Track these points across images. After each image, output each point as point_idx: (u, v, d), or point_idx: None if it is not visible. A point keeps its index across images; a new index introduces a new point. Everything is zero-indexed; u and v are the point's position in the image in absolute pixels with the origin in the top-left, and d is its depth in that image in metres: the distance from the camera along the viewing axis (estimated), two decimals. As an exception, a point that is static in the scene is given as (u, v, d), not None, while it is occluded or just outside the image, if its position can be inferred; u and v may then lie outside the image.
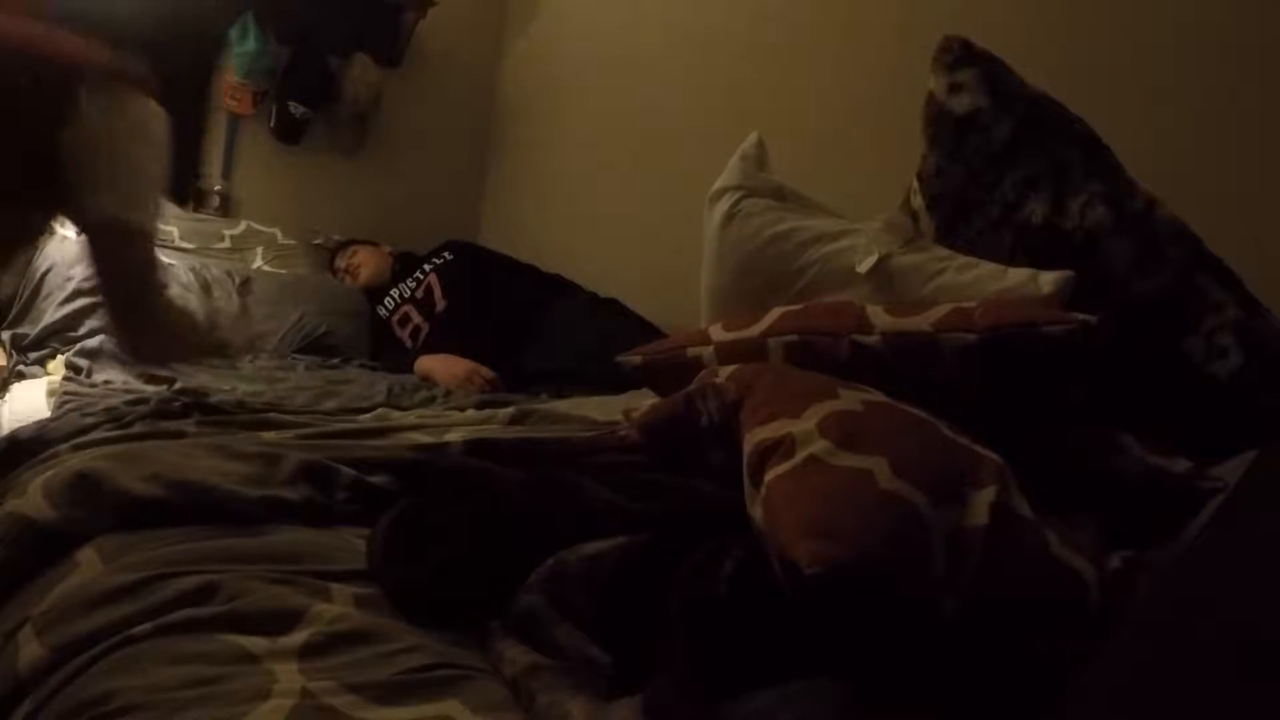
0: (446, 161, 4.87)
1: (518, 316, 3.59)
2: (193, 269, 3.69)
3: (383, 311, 3.91)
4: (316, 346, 3.64)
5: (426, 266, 3.90)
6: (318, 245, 4.39)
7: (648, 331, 3.17)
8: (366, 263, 4.13)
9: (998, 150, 2.01)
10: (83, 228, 2.06)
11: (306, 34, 4.48)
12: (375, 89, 4.62)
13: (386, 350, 3.75)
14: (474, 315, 3.63)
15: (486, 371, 3.37)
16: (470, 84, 4.93)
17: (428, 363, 3.46)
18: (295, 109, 4.49)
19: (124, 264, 2.09)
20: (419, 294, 3.86)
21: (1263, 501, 1.03)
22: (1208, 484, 1.57)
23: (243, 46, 4.33)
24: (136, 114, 2.02)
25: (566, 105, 4.43)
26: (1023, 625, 1.24)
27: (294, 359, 3.47)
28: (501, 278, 3.80)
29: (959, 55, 2.07)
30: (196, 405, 2.35)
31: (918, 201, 2.13)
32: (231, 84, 4.35)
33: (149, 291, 2.17)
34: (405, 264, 4.08)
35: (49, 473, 1.78)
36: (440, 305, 3.76)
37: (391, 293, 3.95)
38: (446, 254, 3.96)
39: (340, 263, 4.22)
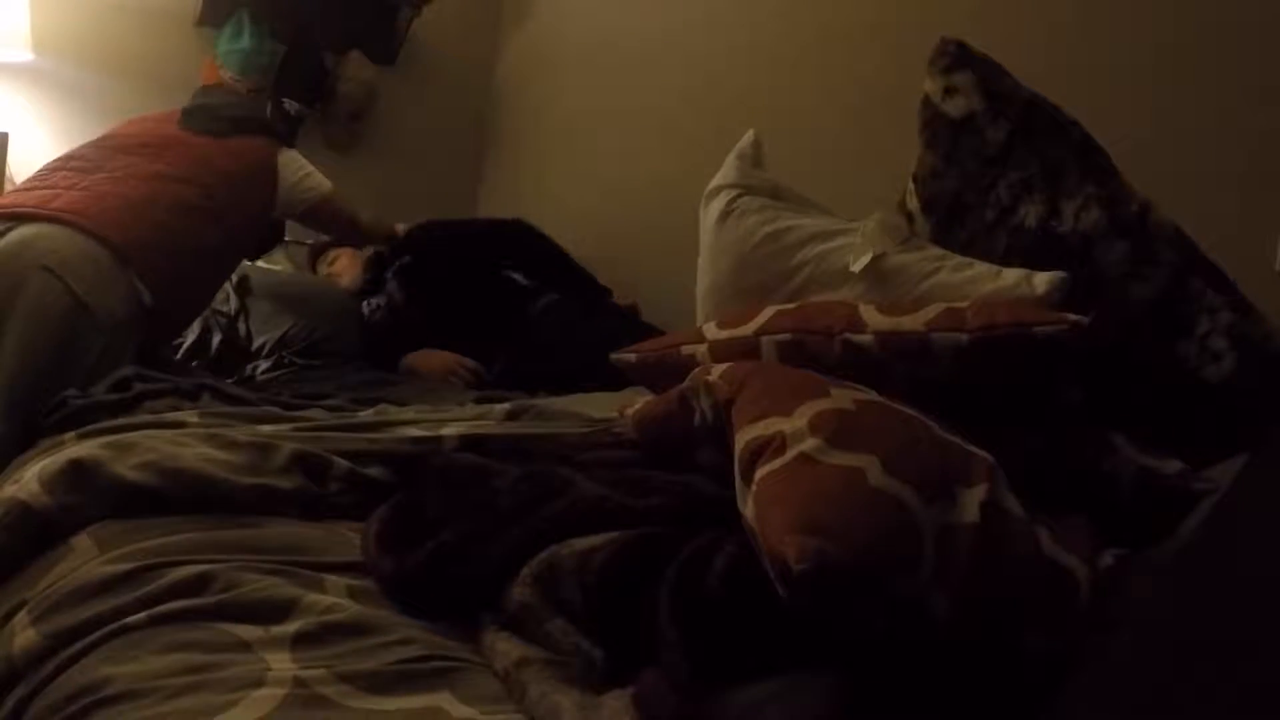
0: (442, 159, 4.86)
1: (493, 311, 3.56)
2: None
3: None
4: (316, 350, 3.61)
5: (388, 273, 3.84)
6: (300, 244, 4.28)
7: (640, 328, 3.16)
8: (345, 271, 4.03)
9: (992, 153, 2.01)
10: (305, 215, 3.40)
11: (302, 31, 4.47)
12: (370, 86, 4.62)
13: (374, 352, 3.71)
14: (437, 314, 3.59)
15: (469, 362, 3.37)
16: (465, 81, 4.93)
17: (411, 359, 3.46)
18: (290, 106, 4.47)
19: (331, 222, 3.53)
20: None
21: (1255, 504, 1.03)
22: (1199, 485, 1.58)
23: (237, 43, 4.33)
24: (290, 156, 3.31)
25: (562, 103, 4.43)
26: (1014, 623, 1.25)
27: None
28: (464, 271, 3.71)
29: (955, 58, 2.07)
30: (207, 388, 2.46)
31: (913, 203, 2.13)
32: (225, 80, 4.34)
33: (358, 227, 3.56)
34: (376, 267, 3.98)
35: (46, 459, 1.79)
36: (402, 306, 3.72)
37: (370, 300, 3.89)
38: (406, 256, 3.84)
39: (321, 269, 4.13)
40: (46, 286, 2.56)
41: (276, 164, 3.22)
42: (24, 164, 3.93)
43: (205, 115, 3.25)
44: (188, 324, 3.32)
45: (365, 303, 3.82)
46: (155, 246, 2.78)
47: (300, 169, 3.30)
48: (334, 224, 3.58)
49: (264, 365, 3.37)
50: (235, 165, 3.11)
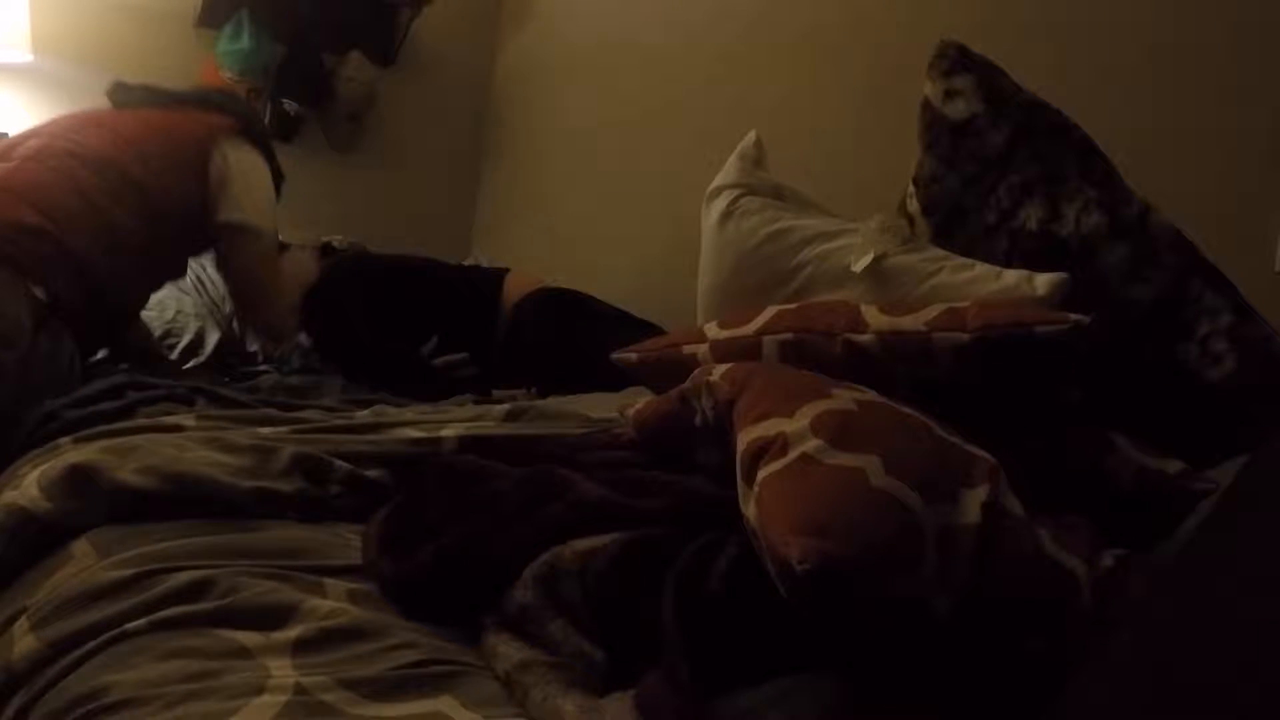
0: (441, 159, 4.87)
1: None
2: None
3: None
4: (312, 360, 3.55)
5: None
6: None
7: (632, 327, 3.14)
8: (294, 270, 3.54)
9: (993, 156, 2.01)
10: (218, 233, 2.91)
11: (301, 31, 4.48)
12: (370, 86, 4.63)
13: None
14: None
15: None
16: (465, 82, 4.93)
17: None
18: (290, 106, 4.49)
19: (248, 257, 2.97)
20: None
21: (1255, 504, 1.03)
22: (1199, 485, 1.58)
23: (237, 43, 4.33)
24: (242, 152, 2.94)
25: (562, 102, 4.43)
26: (1015, 624, 1.25)
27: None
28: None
29: (955, 61, 2.07)
30: (202, 391, 2.46)
31: (914, 205, 2.13)
32: (225, 80, 4.35)
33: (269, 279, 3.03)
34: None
35: (45, 465, 1.79)
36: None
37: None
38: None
39: None
40: None
41: (212, 146, 2.88)
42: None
43: (141, 90, 3.04)
44: (126, 315, 3.02)
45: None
46: (37, 236, 2.55)
47: (242, 173, 2.93)
48: (234, 266, 3.03)
49: (264, 368, 3.35)
50: (157, 142, 2.83)
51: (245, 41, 4.33)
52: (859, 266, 1.97)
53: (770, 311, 1.85)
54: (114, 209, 2.71)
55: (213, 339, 3.40)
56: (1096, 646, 1.08)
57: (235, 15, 4.36)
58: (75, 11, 4.25)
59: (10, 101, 4.17)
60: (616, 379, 2.20)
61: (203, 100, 3.08)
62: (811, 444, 1.32)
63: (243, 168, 2.96)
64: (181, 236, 2.94)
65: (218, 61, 4.35)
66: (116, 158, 2.77)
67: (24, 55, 4.06)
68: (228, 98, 3.27)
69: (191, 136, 2.90)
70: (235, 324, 3.50)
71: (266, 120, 4.45)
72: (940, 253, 1.98)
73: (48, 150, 2.74)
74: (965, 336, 1.63)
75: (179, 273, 3.19)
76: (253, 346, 3.47)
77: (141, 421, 2.11)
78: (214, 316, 3.48)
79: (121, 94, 3.07)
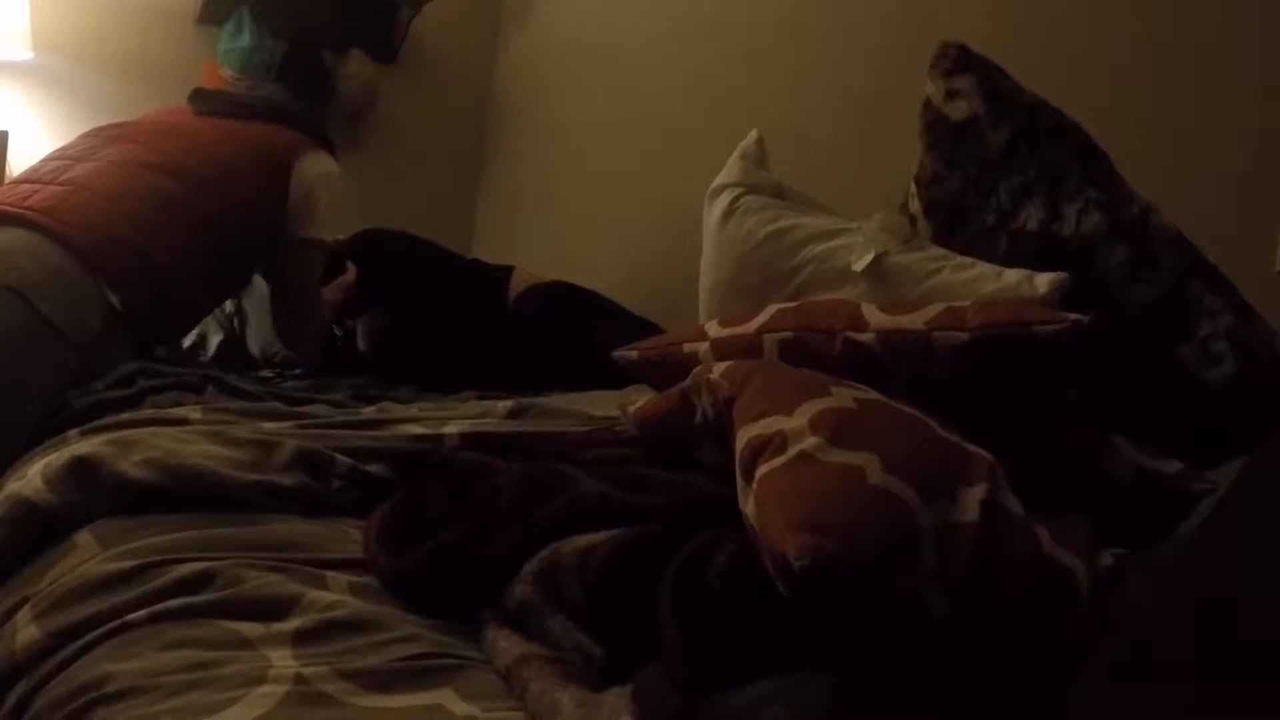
0: (442, 158, 4.86)
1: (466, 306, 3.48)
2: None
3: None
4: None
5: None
6: None
7: (633, 324, 3.12)
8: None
9: (994, 156, 2.01)
10: (291, 246, 2.92)
11: (301, 29, 4.47)
12: (370, 85, 4.62)
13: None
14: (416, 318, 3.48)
15: None
16: (466, 80, 4.92)
17: None
18: (290, 107, 4.48)
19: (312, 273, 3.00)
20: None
21: (1255, 504, 1.03)
22: (1199, 486, 1.58)
23: (237, 41, 4.32)
24: (325, 164, 3.00)
25: (563, 102, 4.43)
26: (1014, 622, 1.25)
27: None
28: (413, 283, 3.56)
29: (956, 61, 2.07)
30: (213, 379, 2.48)
31: (915, 206, 2.13)
32: (225, 79, 4.34)
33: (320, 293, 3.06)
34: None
35: (49, 456, 1.80)
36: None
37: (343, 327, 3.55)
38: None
39: None
40: (9, 306, 2.38)
41: (294, 161, 2.91)
42: (24, 163, 3.93)
43: (220, 99, 3.06)
44: (186, 326, 3.08)
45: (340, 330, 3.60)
46: (122, 244, 2.58)
47: (328, 185, 2.97)
48: (297, 282, 3.03)
49: (266, 374, 3.33)
50: (241, 157, 2.86)
51: (246, 39, 4.31)
52: (860, 265, 1.98)
53: (771, 310, 1.86)
54: (195, 224, 2.74)
55: (215, 340, 3.39)
56: (1096, 646, 1.08)
57: (235, 13, 4.35)
58: (75, 8, 4.25)
59: (10, 100, 4.17)
60: (617, 376, 2.20)
61: (282, 115, 3.12)
62: (810, 441, 1.32)
63: (328, 182, 3.00)
64: (252, 251, 2.96)
65: (218, 59, 4.33)
66: (200, 171, 2.80)
67: (24, 52, 4.06)
68: (301, 110, 3.31)
69: (272, 151, 2.92)
70: (236, 324, 3.49)
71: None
72: (940, 252, 1.98)
73: (134, 159, 2.77)
74: (965, 335, 1.64)
75: (243, 285, 3.19)
76: (254, 349, 3.46)
77: (148, 414, 2.12)
78: (216, 318, 3.46)
79: (202, 102, 3.09)
